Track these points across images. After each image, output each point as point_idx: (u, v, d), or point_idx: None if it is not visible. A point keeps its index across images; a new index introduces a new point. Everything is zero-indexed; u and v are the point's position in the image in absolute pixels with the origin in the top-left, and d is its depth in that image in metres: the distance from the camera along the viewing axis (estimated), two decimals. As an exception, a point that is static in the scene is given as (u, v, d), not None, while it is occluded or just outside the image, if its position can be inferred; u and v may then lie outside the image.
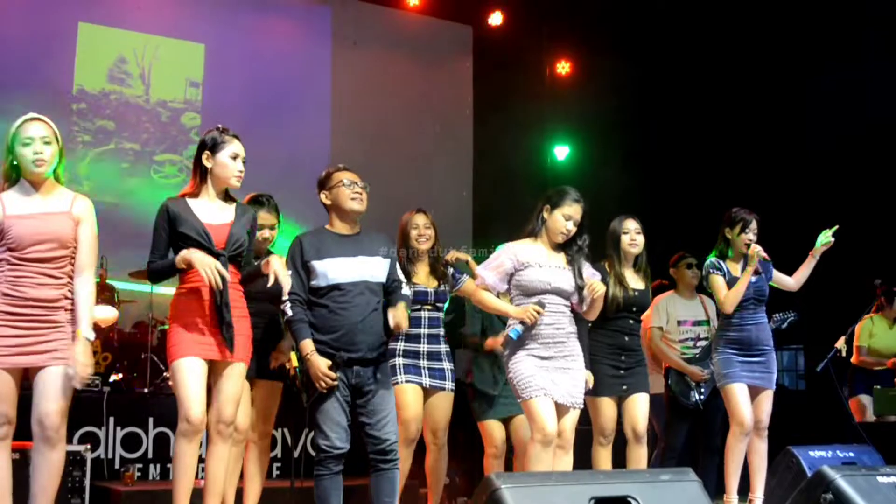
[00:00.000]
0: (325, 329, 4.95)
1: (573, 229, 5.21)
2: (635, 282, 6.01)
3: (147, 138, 10.84)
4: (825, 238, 6.38)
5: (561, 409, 5.10)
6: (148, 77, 10.90)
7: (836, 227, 6.35)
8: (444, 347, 6.01)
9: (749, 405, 6.23)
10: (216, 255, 4.65)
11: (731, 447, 6.26)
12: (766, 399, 6.30)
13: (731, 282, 6.25)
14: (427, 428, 5.98)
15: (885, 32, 9.53)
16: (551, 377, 5.06)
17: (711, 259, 6.39)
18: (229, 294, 4.72)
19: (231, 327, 4.69)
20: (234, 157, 4.81)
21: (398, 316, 5.00)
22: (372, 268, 5.06)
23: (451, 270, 6.04)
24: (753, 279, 6.28)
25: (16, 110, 4.66)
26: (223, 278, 4.62)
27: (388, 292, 5.15)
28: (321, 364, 4.86)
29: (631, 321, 6.02)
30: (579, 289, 5.21)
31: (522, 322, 5.02)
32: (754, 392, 6.29)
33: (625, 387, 5.92)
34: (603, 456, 5.89)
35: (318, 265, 4.97)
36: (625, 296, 5.91)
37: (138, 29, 10.90)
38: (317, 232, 5.18)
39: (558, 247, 5.25)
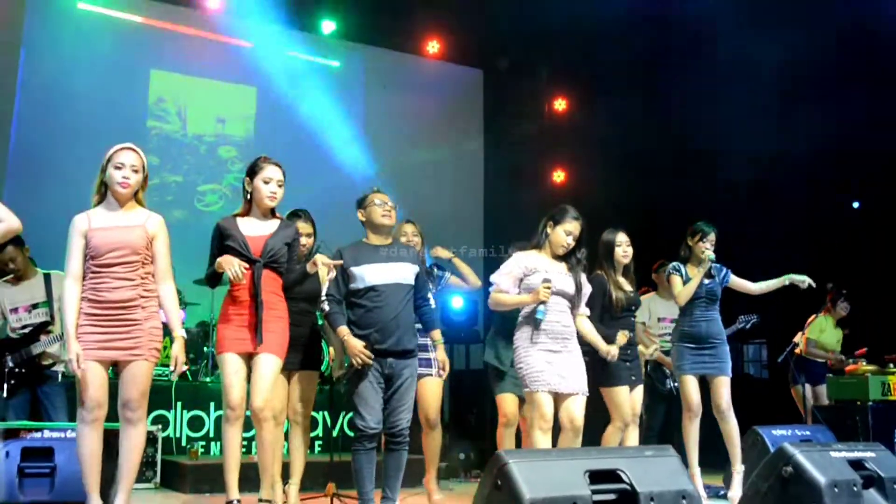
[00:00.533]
0: (363, 325, 4.98)
1: (572, 243, 5.21)
2: (626, 285, 6.01)
3: (188, 169, 10.87)
4: (802, 278, 6.41)
5: (570, 397, 5.05)
6: (196, 115, 10.95)
7: (811, 284, 6.44)
8: (430, 340, 6.01)
9: (696, 392, 6.22)
10: (253, 262, 4.77)
11: (684, 427, 6.28)
12: (722, 385, 6.25)
13: (687, 281, 6.28)
14: (420, 411, 5.95)
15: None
16: (558, 371, 5.02)
17: (674, 263, 6.42)
18: (269, 298, 4.82)
19: (261, 323, 4.74)
20: (268, 182, 4.90)
21: (441, 357, 5.33)
22: (402, 272, 5.09)
23: (435, 270, 6.07)
24: (707, 282, 6.29)
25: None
26: (259, 283, 4.74)
27: (418, 305, 5.20)
28: (357, 343, 4.91)
29: (632, 319, 6.05)
30: (577, 292, 5.23)
31: (542, 302, 5.00)
32: (710, 379, 6.28)
33: (633, 377, 5.94)
34: (617, 437, 5.84)
35: (356, 270, 5.02)
36: (626, 297, 5.90)
37: (199, 74, 10.96)
38: (355, 244, 5.21)
39: (560, 257, 5.25)
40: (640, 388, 6.02)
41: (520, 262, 5.20)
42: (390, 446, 5.01)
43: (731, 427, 6.25)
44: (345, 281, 5.04)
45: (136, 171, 4.53)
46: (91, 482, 4.41)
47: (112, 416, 4.50)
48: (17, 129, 9.71)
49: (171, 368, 4.53)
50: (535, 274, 5.12)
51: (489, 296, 5.33)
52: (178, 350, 4.53)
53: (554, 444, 5.13)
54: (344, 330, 4.97)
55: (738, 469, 6.20)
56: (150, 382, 4.53)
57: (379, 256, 5.07)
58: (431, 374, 5.90)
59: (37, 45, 9.88)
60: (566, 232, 5.18)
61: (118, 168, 4.51)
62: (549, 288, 4.98)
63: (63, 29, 10.02)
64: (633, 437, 5.99)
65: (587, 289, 5.35)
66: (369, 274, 5.00)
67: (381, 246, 5.15)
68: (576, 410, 5.06)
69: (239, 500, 4.82)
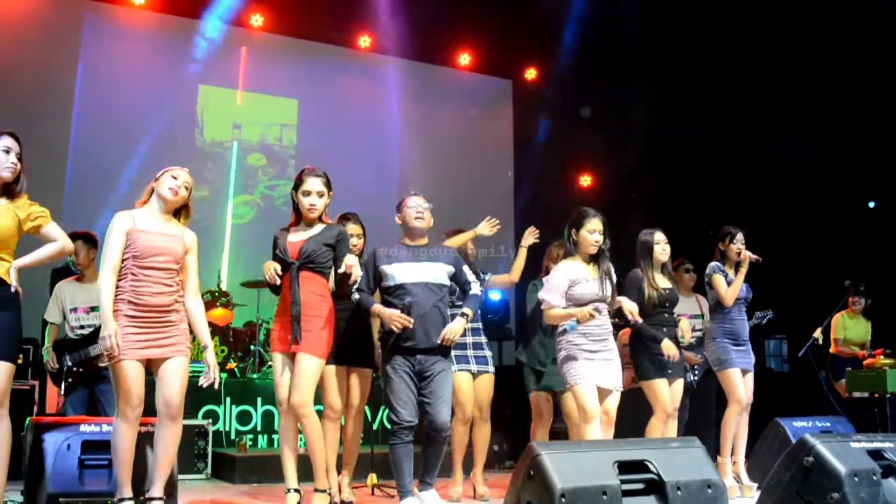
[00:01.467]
0: None
1: (601, 239, 5.22)
2: (664, 282, 5.95)
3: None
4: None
5: (605, 393, 5.09)
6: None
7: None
8: (483, 338, 6.05)
9: (743, 385, 6.18)
10: (290, 265, 4.84)
11: (729, 420, 6.16)
12: (750, 379, 6.27)
13: (728, 283, 6.24)
14: (475, 405, 5.97)
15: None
16: (597, 367, 5.06)
17: (715, 263, 6.36)
18: (309, 298, 4.83)
19: (297, 322, 4.77)
20: (307, 194, 4.94)
21: (450, 330, 4.91)
22: (434, 271, 5.02)
23: (481, 275, 6.09)
24: (744, 283, 6.28)
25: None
26: (295, 285, 4.80)
27: (464, 290, 5.13)
28: (392, 312, 4.85)
29: (666, 315, 5.89)
30: (612, 291, 5.26)
31: (579, 321, 5.01)
32: (743, 374, 6.24)
33: (669, 371, 5.80)
34: (660, 429, 5.75)
35: (387, 269, 4.99)
36: (658, 295, 5.83)
37: (240, 87, 11.04)
38: (392, 244, 5.18)
39: (590, 258, 5.24)
40: (679, 382, 5.89)
41: (563, 275, 5.17)
42: (431, 437, 4.95)
43: (747, 420, 6.24)
44: (375, 276, 5.04)
45: (186, 189, 4.62)
46: (126, 476, 4.42)
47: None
48: (75, 141, 9.83)
49: (209, 375, 4.55)
50: (579, 285, 5.12)
51: (543, 313, 5.30)
52: (209, 358, 4.58)
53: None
54: (376, 307, 4.94)
55: (742, 459, 6.23)
56: (187, 378, 4.54)
57: (411, 256, 5.04)
58: (488, 371, 5.97)
59: (93, 62, 10.01)
60: (590, 231, 5.20)
61: (174, 178, 4.59)
62: (593, 317, 4.99)
63: (117, 45, 10.16)
64: (671, 430, 5.86)
65: (613, 280, 5.33)
66: (399, 272, 4.97)
67: (415, 247, 5.12)
68: (611, 405, 5.12)
69: (297, 490, 4.85)
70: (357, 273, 4.73)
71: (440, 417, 4.91)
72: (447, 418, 4.95)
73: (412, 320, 4.84)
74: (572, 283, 5.13)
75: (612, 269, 5.32)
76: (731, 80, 10.05)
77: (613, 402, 5.14)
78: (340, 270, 4.78)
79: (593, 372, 5.04)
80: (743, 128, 10.60)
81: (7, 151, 4.26)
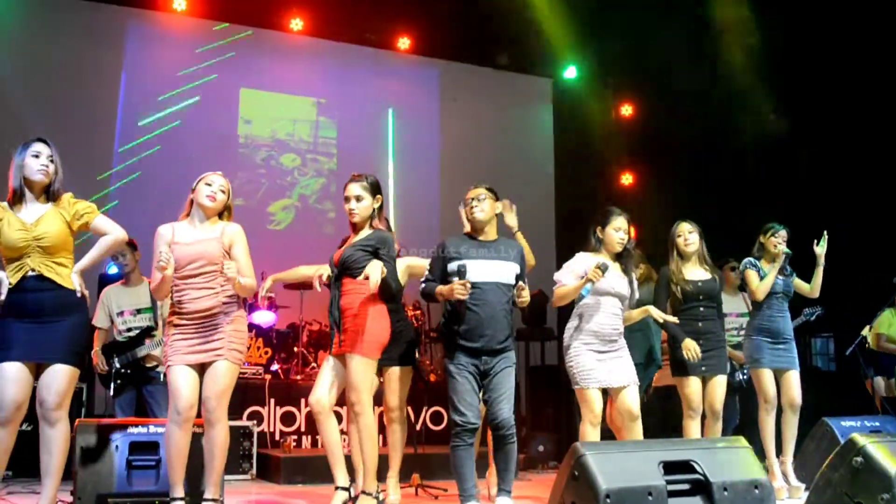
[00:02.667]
0: (461, 321, 4.77)
1: (625, 237, 5.23)
2: (701, 274, 5.86)
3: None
4: (820, 248, 6.25)
5: (622, 390, 5.06)
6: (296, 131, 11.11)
7: (825, 235, 6.25)
8: None
9: (773, 385, 6.10)
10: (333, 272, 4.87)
11: (761, 420, 6.11)
12: (794, 378, 6.16)
13: (763, 277, 6.17)
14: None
15: None
16: (608, 367, 5.04)
17: (748, 259, 6.31)
18: (349, 298, 4.79)
19: (337, 327, 4.78)
20: (347, 201, 4.93)
21: (521, 288, 4.79)
22: (504, 270, 4.85)
23: None
24: (781, 278, 6.19)
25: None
26: (334, 290, 4.82)
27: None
28: (450, 286, 4.69)
29: (701, 308, 5.77)
30: (631, 291, 5.24)
31: (592, 281, 4.93)
32: (782, 373, 6.16)
33: (703, 367, 5.70)
34: (693, 428, 5.69)
35: (459, 265, 4.77)
36: (684, 290, 5.76)
37: (282, 90, 11.13)
38: (460, 236, 5.02)
39: (617, 256, 5.25)
40: (719, 380, 5.77)
41: (581, 261, 5.20)
42: (497, 440, 4.79)
43: (796, 422, 6.15)
44: (443, 269, 4.86)
45: (223, 192, 4.67)
46: (176, 477, 4.49)
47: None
48: (119, 149, 9.97)
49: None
50: None
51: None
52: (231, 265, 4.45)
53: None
54: (439, 288, 4.78)
55: (790, 460, 6.16)
56: (231, 384, 4.53)
57: (482, 253, 4.85)
58: None
59: (136, 68, 10.15)
60: (615, 229, 5.22)
61: (208, 185, 4.65)
62: (599, 268, 4.92)
63: (160, 51, 10.29)
64: (713, 431, 5.79)
65: (635, 286, 5.32)
66: (471, 270, 4.74)
67: (485, 242, 4.93)
68: (630, 401, 5.06)
69: (346, 489, 4.87)
70: (374, 281, 4.53)
71: (503, 414, 4.74)
72: (510, 415, 4.79)
73: (469, 283, 4.67)
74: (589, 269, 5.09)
75: (634, 276, 5.30)
76: (779, 76, 9.94)
77: (632, 397, 5.07)
78: (360, 278, 4.66)
79: (602, 373, 5.02)
80: (791, 125, 10.46)
81: (36, 156, 4.34)
